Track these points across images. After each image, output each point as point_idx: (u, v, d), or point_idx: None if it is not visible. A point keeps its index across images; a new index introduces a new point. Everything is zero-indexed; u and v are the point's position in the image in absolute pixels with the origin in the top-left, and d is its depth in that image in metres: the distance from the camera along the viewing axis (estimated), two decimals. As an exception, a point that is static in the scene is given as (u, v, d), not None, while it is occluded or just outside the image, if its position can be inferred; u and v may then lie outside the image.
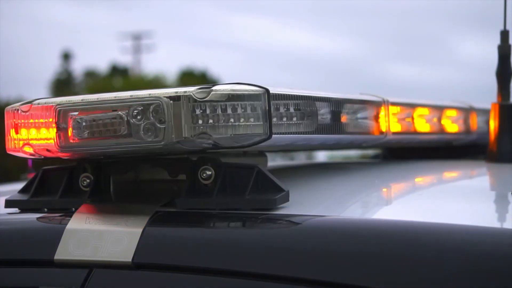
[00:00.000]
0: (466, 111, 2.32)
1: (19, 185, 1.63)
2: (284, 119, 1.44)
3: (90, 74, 44.95)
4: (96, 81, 40.24)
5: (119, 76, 42.46)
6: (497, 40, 2.16)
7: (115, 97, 1.39)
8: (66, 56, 44.97)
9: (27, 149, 1.48)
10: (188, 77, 41.04)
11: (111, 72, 44.92)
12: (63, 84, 42.86)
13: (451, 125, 2.23)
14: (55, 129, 1.42)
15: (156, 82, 35.40)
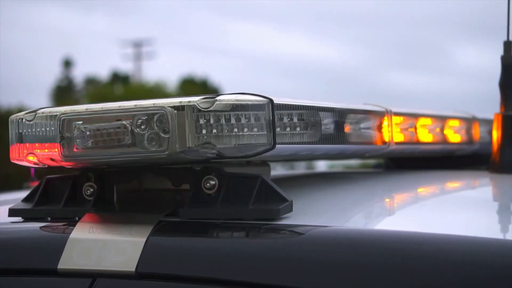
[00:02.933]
0: (469, 121, 2.32)
1: (23, 194, 1.63)
2: (288, 129, 1.44)
3: (91, 81, 44.99)
4: (97, 88, 40.27)
5: (120, 83, 42.49)
6: (496, 49, 2.16)
7: (119, 106, 1.39)
8: (67, 63, 45.02)
9: (31, 158, 1.48)
10: (189, 84, 41.08)
11: (112, 79, 44.95)
12: (63, 91, 42.90)
13: (454, 135, 2.24)
14: (59, 138, 1.42)
15: (157, 90, 35.43)
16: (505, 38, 2.14)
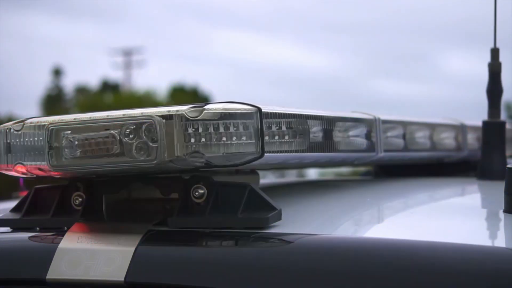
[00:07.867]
0: (457, 128, 2.33)
1: (11, 204, 1.62)
2: (276, 137, 1.44)
3: (81, 90, 44.93)
4: (87, 97, 40.23)
5: (110, 92, 42.45)
6: (483, 56, 2.17)
7: (108, 116, 1.39)
8: (57, 72, 44.97)
9: (20, 168, 1.48)
10: (179, 93, 41.08)
11: (102, 88, 44.91)
12: (54, 100, 42.83)
13: (442, 142, 2.24)
14: (47, 148, 1.42)
15: (147, 98, 35.41)
16: (492, 45, 2.15)
